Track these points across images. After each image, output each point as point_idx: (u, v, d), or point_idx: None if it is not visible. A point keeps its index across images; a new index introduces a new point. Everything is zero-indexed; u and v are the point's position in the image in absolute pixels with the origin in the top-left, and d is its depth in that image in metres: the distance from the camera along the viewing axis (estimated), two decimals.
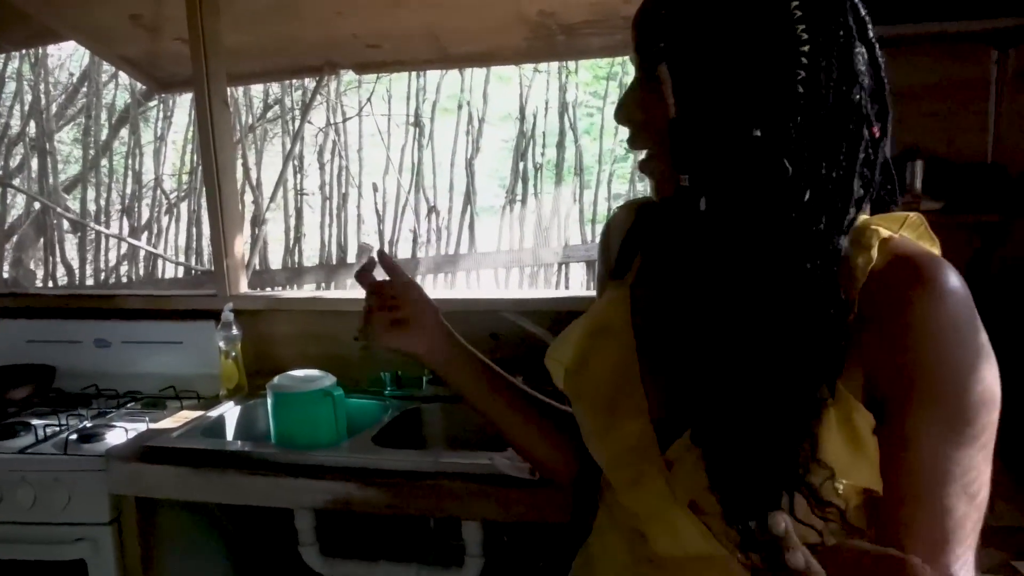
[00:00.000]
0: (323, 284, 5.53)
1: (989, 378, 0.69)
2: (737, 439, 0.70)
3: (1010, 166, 1.96)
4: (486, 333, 2.08)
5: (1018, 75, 1.94)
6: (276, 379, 1.79)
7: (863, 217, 0.75)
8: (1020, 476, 1.37)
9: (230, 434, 1.99)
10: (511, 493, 1.51)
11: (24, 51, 5.20)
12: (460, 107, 5.82)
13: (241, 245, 2.45)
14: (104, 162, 5.96)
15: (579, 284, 5.90)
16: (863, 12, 0.73)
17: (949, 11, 1.84)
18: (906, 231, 0.77)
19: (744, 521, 0.68)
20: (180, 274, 5.84)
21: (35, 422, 1.94)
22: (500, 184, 6.48)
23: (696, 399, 0.74)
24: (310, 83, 5.40)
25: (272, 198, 5.57)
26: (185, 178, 6.02)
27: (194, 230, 5.91)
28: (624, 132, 0.82)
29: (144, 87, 5.14)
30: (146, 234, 5.97)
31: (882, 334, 0.70)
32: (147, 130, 6.05)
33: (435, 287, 5.49)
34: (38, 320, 2.43)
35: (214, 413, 1.98)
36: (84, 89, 6.04)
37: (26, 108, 5.67)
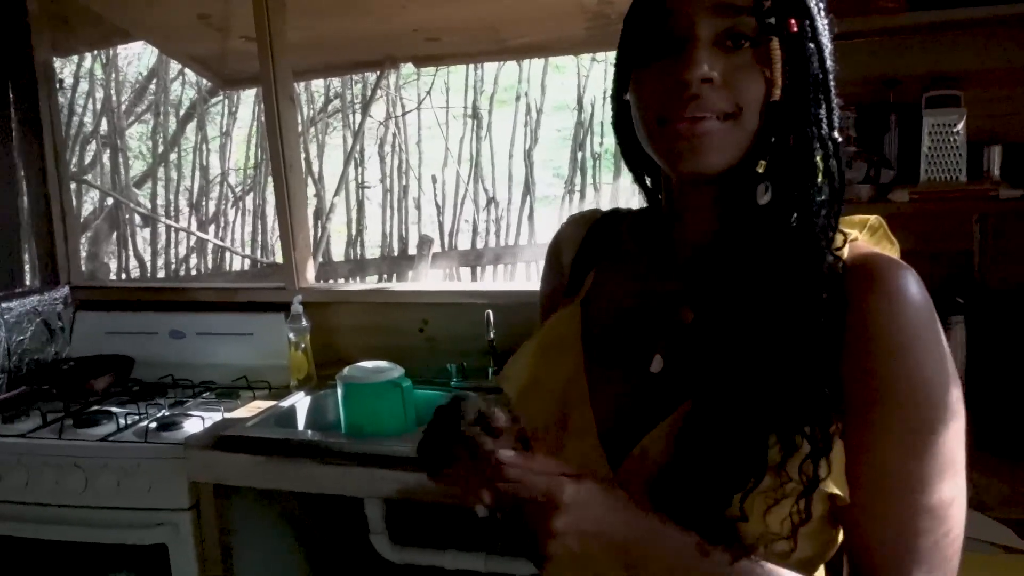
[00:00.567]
0: (385, 276, 5.59)
1: (949, 385, 0.68)
2: (739, 411, 0.68)
3: None
4: None
5: None
6: (346, 370, 1.82)
7: None
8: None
9: (301, 424, 2.03)
10: None
11: (96, 51, 5.36)
12: (518, 98, 5.81)
13: (308, 238, 2.49)
14: (172, 157, 6.13)
15: None
16: None
17: None
18: (866, 235, 0.77)
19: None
20: (247, 266, 5.97)
21: (116, 410, 2.01)
22: (558, 174, 6.46)
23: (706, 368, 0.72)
24: (370, 77, 5.47)
25: (336, 192, 5.65)
26: (250, 172, 6.15)
27: (259, 223, 6.04)
28: None
29: (209, 84, 5.28)
30: (213, 227, 6.12)
31: (842, 340, 0.69)
32: (212, 126, 6.19)
33: (495, 278, 5.51)
34: (116, 312, 2.52)
35: (286, 403, 2.02)
36: (152, 87, 6.22)
37: (98, 106, 5.85)
